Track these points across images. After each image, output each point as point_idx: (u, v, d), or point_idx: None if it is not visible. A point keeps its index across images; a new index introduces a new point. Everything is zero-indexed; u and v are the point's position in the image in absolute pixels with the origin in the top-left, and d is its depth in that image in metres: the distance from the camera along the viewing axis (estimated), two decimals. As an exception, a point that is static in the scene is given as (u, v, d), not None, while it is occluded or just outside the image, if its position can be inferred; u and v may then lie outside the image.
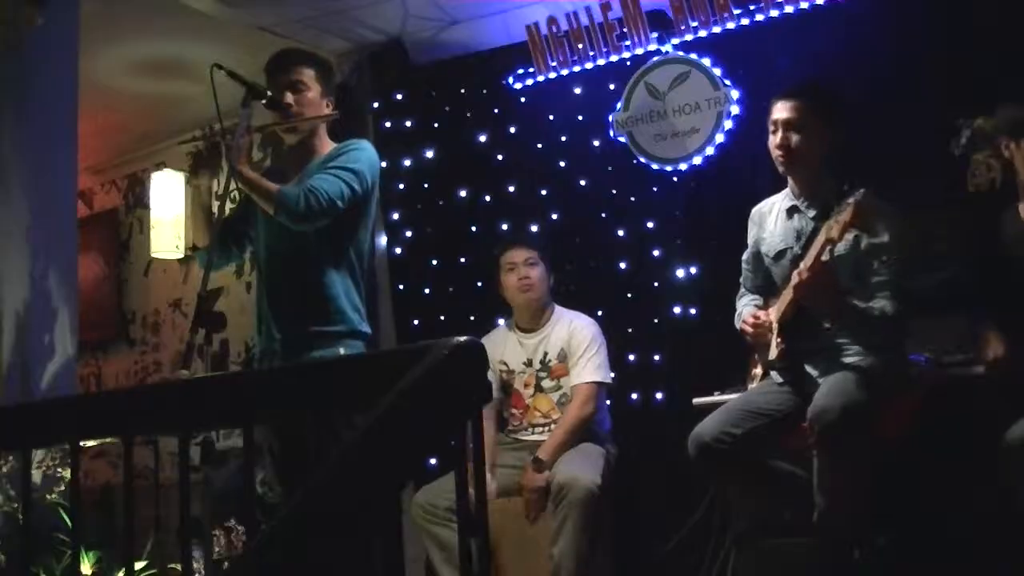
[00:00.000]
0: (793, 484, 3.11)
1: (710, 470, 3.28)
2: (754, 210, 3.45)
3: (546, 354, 4.06)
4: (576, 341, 4.01)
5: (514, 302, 4.15)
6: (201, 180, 3.08)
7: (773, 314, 3.24)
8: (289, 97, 3.07)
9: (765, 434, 3.09)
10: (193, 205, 3.06)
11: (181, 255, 5.85)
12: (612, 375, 4.06)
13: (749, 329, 3.26)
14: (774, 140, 3.23)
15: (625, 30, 4.47)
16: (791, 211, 3.27)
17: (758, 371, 3.37)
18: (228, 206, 3.29)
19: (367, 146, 3.16)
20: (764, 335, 3.24)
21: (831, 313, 3.05)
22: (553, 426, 3.95)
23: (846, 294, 3.04)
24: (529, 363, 4.09)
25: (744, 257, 3.48)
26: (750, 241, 3.45)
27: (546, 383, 4.05)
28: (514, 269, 4.09)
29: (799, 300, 3.06)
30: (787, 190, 3.33)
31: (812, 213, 3.19)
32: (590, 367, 3.96)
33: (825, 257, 2.95)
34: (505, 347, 4.14)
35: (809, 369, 3.14)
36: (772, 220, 3.34)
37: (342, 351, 2.96)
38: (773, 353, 3.20)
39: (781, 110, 3.22)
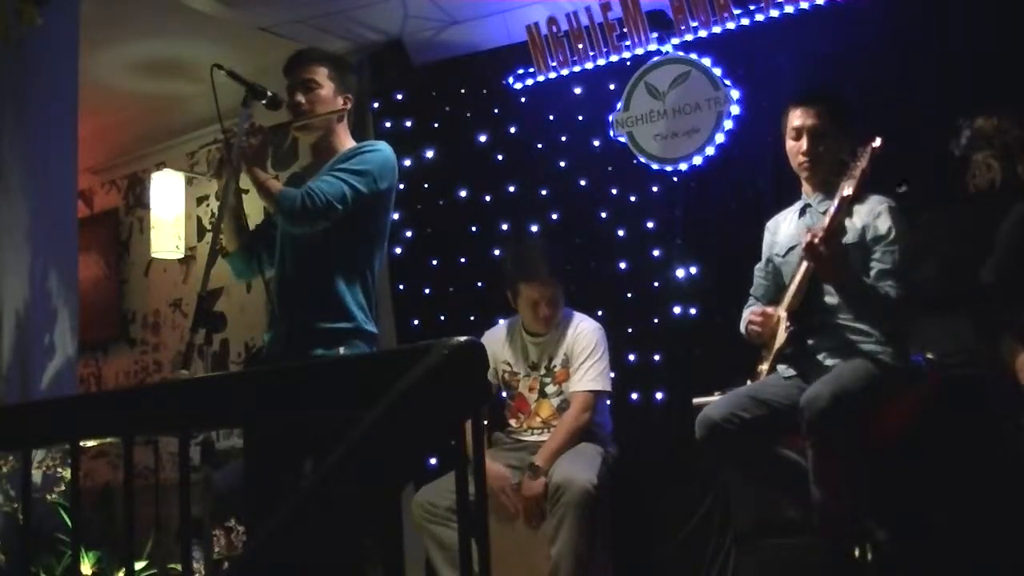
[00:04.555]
0: (797, 473, 3.08)
1: (718, 451, 3.22)
2: (770, 221, 3.47)
3: (551, 359, 4.03)
4: (580, 346, 3.98)
5: (530, 324, 4.07)
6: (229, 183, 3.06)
7: (781, 309, 3.24)
8: (300, 96, 3.08)
9: (770, 424, 3.07)
10: (221, 210, 3.05)
11: (181, 255, 5.86)
12: (612, 377, 4.03)
13: (757, 319, 3.25)
14: (798, 146, 3.23)
15: (625, 30, 4.47)
16: (803, 210, 3.29)
17: (763, 368, 3.36)
18: (245, 203, 3.26)
19: (382, 146, 3.15)
20: (773, 327, 3.23)
21: (837, 277, 3.03)
22: (551, 430, 3.94)
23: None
24: (534, 366, 4.07)
25: (757, 266, 3.48)
26: (764, 251, 3.45)
27: (549, 388, 4.03)
28: (536, 305, 3.98)
29: (810, 264, 3.04)
30: (802, 195, 3.33)
31: (823, 208, 3.19)
32: (590, 375, 3.94)
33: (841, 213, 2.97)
34: (510, 348, 4.12)
35: (819, 358, 3.13)
36: (786, 225, 3.37)
37: (342, 351, 2.95)
38: (782, 337, 3.19)
39: (804, 116, 3.22)
